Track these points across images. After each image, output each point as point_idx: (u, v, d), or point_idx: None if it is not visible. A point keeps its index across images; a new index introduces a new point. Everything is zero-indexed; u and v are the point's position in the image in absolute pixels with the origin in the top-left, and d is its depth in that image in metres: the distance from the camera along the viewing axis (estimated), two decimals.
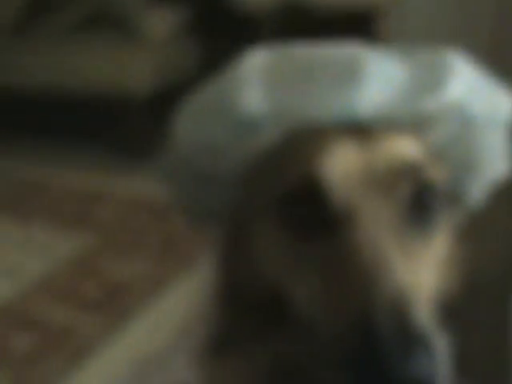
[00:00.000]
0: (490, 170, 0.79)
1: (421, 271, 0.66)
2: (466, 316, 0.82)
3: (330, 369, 0.61)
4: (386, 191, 0.67)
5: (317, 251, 0.67)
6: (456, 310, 0.80)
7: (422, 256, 0.69)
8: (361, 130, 0.69)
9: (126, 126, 3.70)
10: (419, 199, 0.69)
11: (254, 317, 0.79)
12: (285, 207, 0.69)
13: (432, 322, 0.62)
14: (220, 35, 4.13)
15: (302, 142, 0.70)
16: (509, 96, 0.76)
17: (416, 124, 0.71)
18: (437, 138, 0.73)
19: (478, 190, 0.81)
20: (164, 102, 3.82)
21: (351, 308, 0.60)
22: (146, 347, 2.17)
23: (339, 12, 3.90)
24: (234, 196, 0.78)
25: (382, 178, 0.67)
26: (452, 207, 0.77)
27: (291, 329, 0.73)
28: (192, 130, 0.76)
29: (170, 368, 2.08)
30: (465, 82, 0.71)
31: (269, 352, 0.76)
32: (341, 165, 0.67)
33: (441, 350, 0.58)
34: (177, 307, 2.40)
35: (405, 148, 0.70)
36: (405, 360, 0.55)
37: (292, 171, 0.69)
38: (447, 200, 0.75)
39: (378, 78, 0.69)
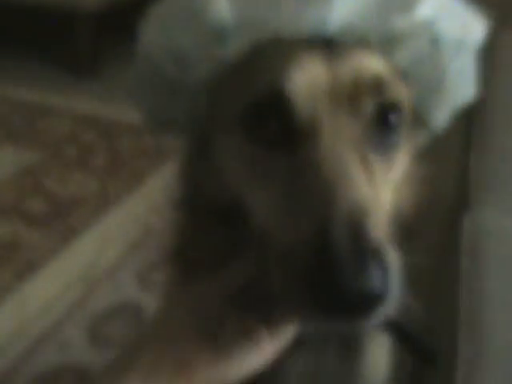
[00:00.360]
0: (456, 93, 0.79)
1: (380, 188, 0.68)
2: (419, 235, 0.84)
3: (286, 284, 0.61)
4: (351, 105, 0.68)
5: (279, 164, 0.68)
6: (412, 229, 0.82)
7: (383, 174, 0.69)
8: (328, 44, 0.69)
9: (75, 40, 3.58)
10: (383, 117, 0.70)
11: (215, 231, 0.80)
12: (249, 118, 0.69)
13: (387, 236, 0.64)
14: None
15: (269, 53, 0.70)
16: (480, 21, 0.76)
17: (384, 41, 0.71)
18: (404, 57, 0.73)
19: (443, 112, 0.81)
20: (115, 17, 3.72)
21: (309, 223, 0.61)
22: (95, 261, 2.18)
23: None
24: (200, 106, 0.78)
25: (347, 92, 0.67)
26: (416, 128, 0.78)
27: (251, 246, 0.73)
28: (159, 36, 0.75)
29: (119, 283, 2.09)
30: (435, 3, 0.71)
31: (230, 272, 0.76)
32: (306, 77, 0.67)
33: (394, 263, 0.60)
34: (124, 223, 2.40)
35: (371, 63, 0.70)
36: (358, 272, 0.56)
37: (258, 82, 0.69)
38: (411, 120, 0.76)
39: None
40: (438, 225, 1.44)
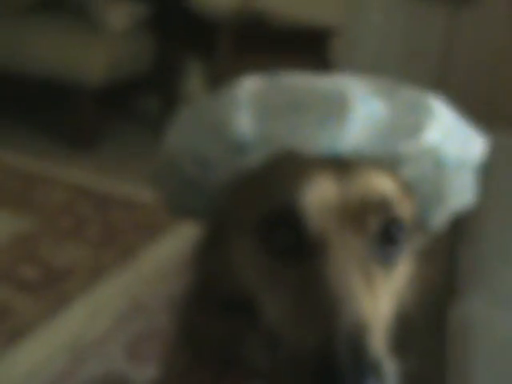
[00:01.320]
0: (456, 204, 0.86)
1: (381, 299, 0.73)
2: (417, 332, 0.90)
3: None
4: (357, 224, 0.73)
5: (290, 274, 0.73)
6: (412, 330, 0.88)
7: (384, 284, 0.75)
8: (340, 162, 0.74)
9: (75, 114, 3.67)
10: (387, 232, 0.75)
11: (224, 318, 0.84)
12: (263, 229, 0.75)
13: (385, 349, 0.69)
14: (176, 35, 4.16)
15: (285, 168, 0.75)
16: (479, 139, 0.83)
17: (391, 162, 0.77)
18: (409, 175, 0.79)
19: (442, 218, 0.88)
20: (115, 94, 3.83)
21: (316, 333, 0.66)
22: (84, 332, 2.18)
23: (294, 27, 3.99)
24: (218, 202, 0.83)
25: (355, 211, 0.73)
26: (416, 232, 0.84)
27: (258, 337, 0.79)
28: (183, 140, 0.81)
29: (107, 354, 2.09)
30: (442, 128, 0.77)
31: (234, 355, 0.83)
32: (318, 196, 0.72)
33: (391, 375, 0.66)
34: (114, 295, 2.41)
35: (378, 184, 0.75)
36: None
37: (273, 195, 0.75)
38: (413, 228, 0.81)
39: (362, 118, 0.74)
40: (429, 317, 1.48)
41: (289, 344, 0.70)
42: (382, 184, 0.75)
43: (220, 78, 3.77)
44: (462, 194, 0.84)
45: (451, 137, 0.78)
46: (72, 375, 1.98)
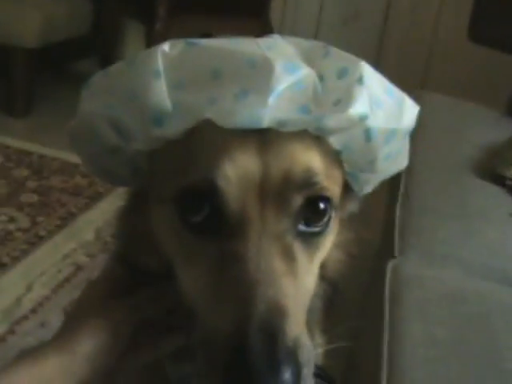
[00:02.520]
0: (387, 171, 0.84)
1: (302, 276, 0.71)
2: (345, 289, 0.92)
3: (207, 368, 0.66)
4: (280, 201, 0.70)
5: (207, 250, 0.70)
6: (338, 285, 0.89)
7: (308, 262, 0.73)
8: (262, 135, 0.70)
9: (9, 77, 3.56)
10: (311, 207, 0.72)
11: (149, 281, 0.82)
12: (182, 201, 0.71)
13: (304, 331, 0.68)
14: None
15: (204, 141, 0.71)
16: (412, 107, 0.80)
17: (318, 132, 0.73)
18: (337, 144, 0.75)
19: (373, 184, 0.86)
20: (51, 56, 3.73)
21: (231, 316, 0.64)
22: (22, 297, 2.16)
23: None
24: (140, 167, 0.79)
25: (277, 187, 0.69)
26: (346, 198, 0.83)
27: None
28: (101, 107, 0.75)
29: (45, 319, 2.08)
30: (370, 100, 0.73)
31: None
32: (238, 171, 0.68)
33: (308, 360, 0.65)
34: (53, 261, 2.39)
35: (303, 158, 0.71)
36: (271, 376, 0.60)
37: (193, 168, 0.70)
38: (342, 197, 0.80)
39: (286, 88, 0.69)
40: (365, 275, 1.52)
41: (203, 325, 0.69)
42: (307, 158, 0.71)
43: (158, 40, 3.71)
44: (393, 160, 0.82)
45: (380, 108, 0.74)
46: (7, 343, 1.96)
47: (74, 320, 0.77)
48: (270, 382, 0.60)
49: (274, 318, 0.63)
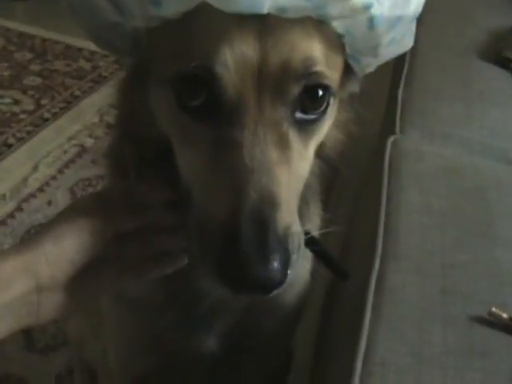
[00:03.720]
0: (392, 52, 0.83)
1: (296, 165, 0.72)
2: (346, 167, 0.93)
3: (201, 252, 0.68)
4: (278, 88, 0.69)
5: (204, 135, 0.70)
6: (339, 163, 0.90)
7: (302, 148, 0.74)
8: (261, 22, 0.67)
9: None
10: (309, 94, 0.72)
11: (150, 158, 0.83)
12: (180, 83, 0.70)
13: (296, 219, 0.70)
14: None
15: (203, 25, 0.69)
16: None
17: (320, 18, 0.71)
18: (339, 26, 0.73)
19: (375, 65, 0.85)
20: None
21: (225, 202, 0.66)
22: (27, 177, 2.20)
23: None
24: (139, 42, 0.78)
25: (276, 75, 0.68)
26: (346, 77, 0.82)
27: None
28: None
29: (51, 198, 2.12)
30: None
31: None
32: (236, 56, 0.67)
33: (298, 243, 0.68)
34: (58, 143, 2.41)
35: (303, 46, 0.69)
36: (261, 264, 0.62)
37: (191, 52, 0.69)
38: (342, 80, 0.79)
39: None
40: (368, 151, 1.54)
41: (198, 211, 0.70)
42: (308, 45, 0.70)
43: None
44: (397, 44, 0.81)
45: None
46: (16, 220, 2.01)
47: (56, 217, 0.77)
48: (260, 270, 0.62)
49: (266, 207, 0.65)
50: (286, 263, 0.65)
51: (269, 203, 0.65)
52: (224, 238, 0.65)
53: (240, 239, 0.63)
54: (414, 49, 1.83)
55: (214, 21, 0.68)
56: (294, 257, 0.67)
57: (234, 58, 0.67)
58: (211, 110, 0.70)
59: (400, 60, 1.76)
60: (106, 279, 0.78)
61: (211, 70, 0.67)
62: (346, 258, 1.20)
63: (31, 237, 0.75)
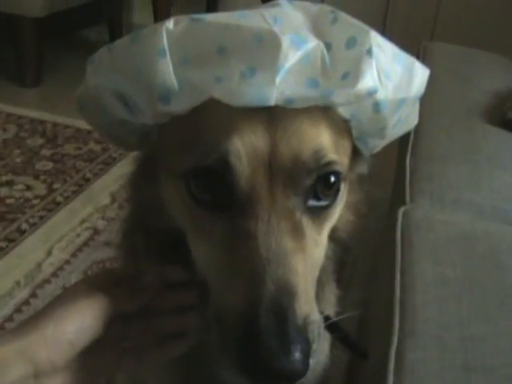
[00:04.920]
0: (398, 132, 0.84)
1: (311, 251, 0.72)
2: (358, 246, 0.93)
3: (221, 343, 0.68)
4: (290, 179, 0.70)
5: (218, 228, 0.71)
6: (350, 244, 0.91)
7: (318, 237, 0.75)
8: (270, 113, 0.69)
9: (18, 47, 3.56)
10: (323, 181, 0.73)
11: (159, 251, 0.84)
12: (191, 178, 0.72)
13: (314, 306, 0.70)
14: None
15: (213, 120, 0.71)
16: (421, 72, 0.80)
17: (327, 104, 0.72)
18: (345, 114, 0.75)
19: (381, 146, 0.86)
20: (58, 24, 3.72)
21: (242, 293, 0.66)
22: (41, 261, 2.20)
23: None
24: (150, 136, 0.80)
25: (287, 165, 0.70)
26: (356, 160, 0.84)
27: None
28: (108, 82, 0.75)
29: (65, 282, 2.12)
30: (379, 72, 0.72)
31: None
32: (247, 150, 0.69)
33: (317, 332, 0.68)
34: (70, 226, 2.42)
35: (312, 135, 0.71)
36: (281, 355, 0.62)
37: (201, 148, 0.71)
38: (351, 163, 0.81)
39: (294, 63, 0.68)
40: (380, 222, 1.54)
41: (216, 302, 0.70)
42: (316, 134, 0.71)
43: (164, 6, 3.69)
44: (403, 124, 0.82)
45: (389, 79, 0.74)
46: (31, 306, 2.00)
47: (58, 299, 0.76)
48: (282, 362, 0.62)
49: (284, 298, 0.65)
50: (306, 353, 0.65)
51: (286, 293, 0.65)
52: (243, 330, 0.64)
53: (260, 331, 0.63)
54: (419, 116, 1.87)
55: (224, 114, 0.70)
56: (314, 346, 0.67)
57: (246, 148, 0.68)
58: (224, 201, 0.71)
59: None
60: (105, 360, 0.77)
61: (225, 162, 0.68)
62: (364, 336, 1.18)
63: (32, 318, 0.73)
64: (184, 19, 0.72)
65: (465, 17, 3.78)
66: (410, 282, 1.12)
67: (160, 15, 3.67)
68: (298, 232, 0.70)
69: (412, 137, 1.77)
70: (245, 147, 0.68)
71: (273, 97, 0.67)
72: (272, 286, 0.65)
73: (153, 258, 0.85)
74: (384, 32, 3.75)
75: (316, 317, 0.69)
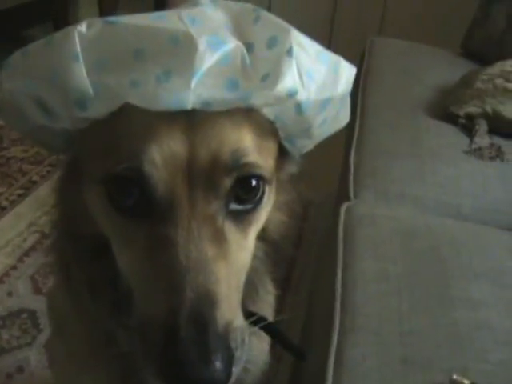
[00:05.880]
0: (327, 131, 0.83)
1: (235, 256, 0.71)
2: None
3: (142, 351, 0.66)
4: (209, 184, 0.69)
5: (138, 235, 0.69)
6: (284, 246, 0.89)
7: (239, 239, 0.73)
8: (188, 117, 0.68)
9: None
10: (244, 184, 0.72)
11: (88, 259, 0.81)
12: (110, 185, 0.70)
13: (238, 312, 0.69)
14: None
15: (129, 124, 0.69)
16: (347, 70, 0.78)
17: (248, 106, 0.71)
18: (269, 115, 0.74)
19: (311, 145, 0.85)
20: (3, 24, 3.65)
21: (162, 304, 0.65)
22: None
23: None
24: (70, 143, 0.77)
25: (206, 170, 0.68)
26: (283, 164, 0.83)
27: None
28: (23, 87, 0.72)
29: (12, 287, 2.08)
30: (301, 71, 0.70)
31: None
32: (165, 155, 0.67)
33: (240, 338, 0.66)
34: (18, 231, 2.37)
35: (232, 138, 0.69)
36: (203, 366, 0.61)
37: (117, 154, 0.68)
38: (278, 164, 0.79)
39: (212, 66, 0.66)
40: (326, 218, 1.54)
41: (139, 311, 0.69)
42: (237, 137, 0.70)
43: (112, 4, 3.65)
44: (332, 122, 0.81)
45: (312, 79, 0.72)
46: None
47: None
48: (202, 371, 0.61)
49: (204, 305, 0.64)
50: (228, 361, 0.63)
51: (207, 302, 0.64)
52: (164, 340, 0.63)
53: (179, 341, 0.62)
54: (363, 111, 1.89)
55: (140, 119, 0.68)
56: (237, 353, 0.65)
57: (162, 155, 0.66)
58: (144, 208, 0.69)
59: (350, 124, 1.78)
60: None
61: (140, 170, 0.66)
62: (307, 333, 1.18)
63: None
64: (98, 22, 0.69)
65: (412, 12, 3.81)
66: (351, 278, 1.12)
67: (106, 12, 3.62)
68: (219, 237, 0.69)
69: (356, 132, 1.77)
70: (161, 152, 0.66)
71: (189, 100, 0.66)
72: (192, 294, 0.64)
73: (83, 265, 0.83)
74: (332, 28, 3.77)
75: (239, 323, 0.68)
